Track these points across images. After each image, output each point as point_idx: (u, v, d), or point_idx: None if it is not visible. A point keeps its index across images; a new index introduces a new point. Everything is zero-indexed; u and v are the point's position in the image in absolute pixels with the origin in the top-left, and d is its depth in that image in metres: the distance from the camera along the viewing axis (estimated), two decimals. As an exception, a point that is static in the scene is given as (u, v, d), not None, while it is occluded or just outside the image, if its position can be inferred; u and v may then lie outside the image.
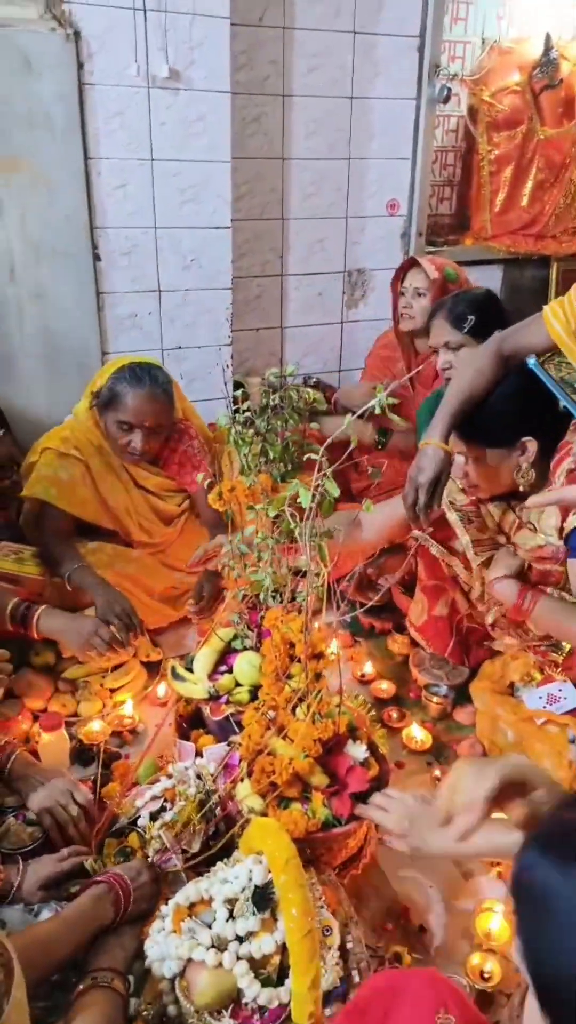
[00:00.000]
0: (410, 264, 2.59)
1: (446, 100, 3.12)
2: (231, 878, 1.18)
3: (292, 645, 1.44)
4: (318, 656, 1.37)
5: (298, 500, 1.24)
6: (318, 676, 1.38)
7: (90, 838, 1.45)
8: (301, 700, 1.40)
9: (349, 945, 1.18)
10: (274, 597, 1.55)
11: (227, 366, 2.94)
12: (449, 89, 3.09)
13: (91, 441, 2.14)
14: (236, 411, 1.51)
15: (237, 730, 1.55)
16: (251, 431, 1.50)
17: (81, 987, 1.06)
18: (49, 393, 2.67)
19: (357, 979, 1.13)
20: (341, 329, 3.38)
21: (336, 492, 1.24)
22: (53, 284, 2.56)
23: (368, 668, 2.06)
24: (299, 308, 3.26)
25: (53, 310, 2.59)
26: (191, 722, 1.76)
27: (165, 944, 1.12)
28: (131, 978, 1.15)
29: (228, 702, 1.61)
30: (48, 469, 2.08)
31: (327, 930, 1.16)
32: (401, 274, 2.60)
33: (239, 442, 1.45)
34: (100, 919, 1.17)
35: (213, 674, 1.67)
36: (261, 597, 1.59)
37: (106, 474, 2.15)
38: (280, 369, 2.92)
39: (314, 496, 1.22)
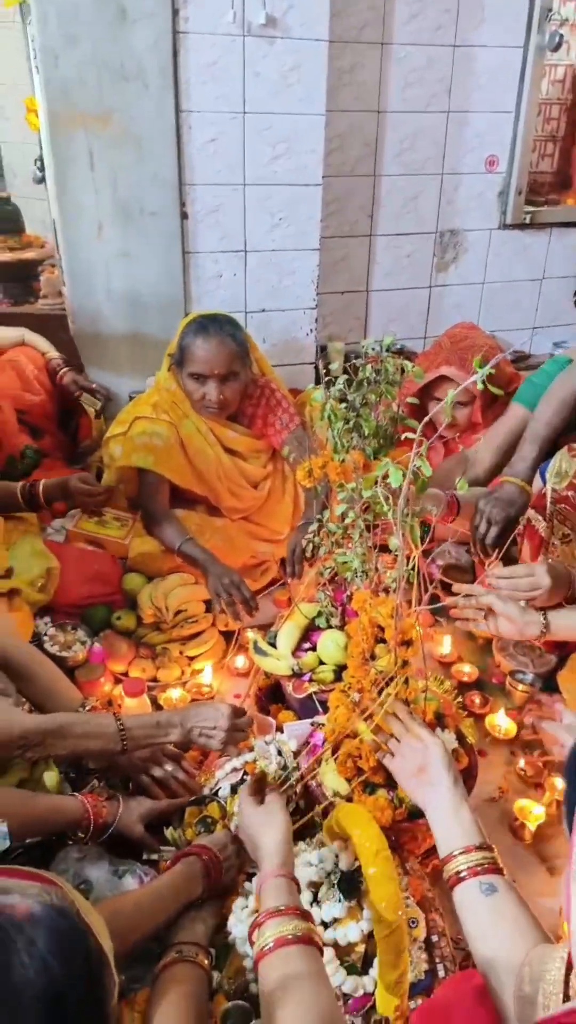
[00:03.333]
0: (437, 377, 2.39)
1: (556, 48, 2.93)
2: (315, 861, 1.18)
3: (380, 628, 1.42)
4: (407, 643, 1.34)
5: (388, 480, 1.20)
6: (404, 664, 1.35)
7: (192, 788, 1.52)
8: (387, 684, 1.38)
9: (434, 938, 1.17)
10: (361, 577, 1.52)
11: (311, 330, 2.90)
12: (561, 36, 2.90)
13: (177, 405, 2.14)
14: (328, 383, 1.47)
15: (320, 709, 1.55)
16: (343, 405, 1.45)
17: (166, 960, 1.08)
18: (132, 353, 2.68)
19: (442, 973, 1.12)
20: (429, 294, 3.28)
21: (429, 471, 1.20)
22: (140, 243, 2.55)
23: (447, 648, 2.02)
24: (387, 271, 3.17)
25: (139, 269, 2.58)
26: (270, 696, 1.78)
27: (249, 924, 1.12)
28: (213, 951, 1.17)
29: (311, 680, 1.61)
30: (143, 437, 2.10)
31: (412, 922, 1.15)
32: (434, 386, 2.40)
33: (332, 417, 1.41)
34: (190, 894, 1.19)
35: (296, 651, 1.67)
36: (348, 577, 1.56)
37: (195, 438, 2.15)
38: (367, 337, 2.86)
39: (407, 475, 1.18)
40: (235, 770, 1.53)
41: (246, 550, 2.22)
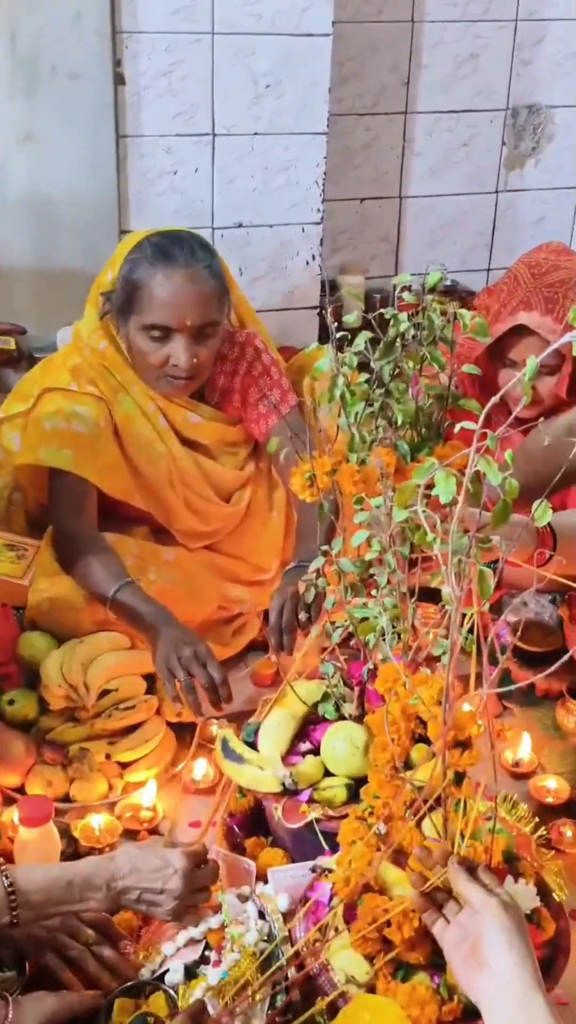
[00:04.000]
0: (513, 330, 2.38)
1: None
2: None
3: (420, 721, 1.42)
4: (462, 745, 1.34)
5: (434, 491, 1.21)
6: (459, 777, 1.35)
7: (124, 971, 1.51)
8: (432, 808, 1.39)
9: None
10: (390, 642, 1.54)
11: (314, 258, 2.93)
12: None
13: (110, 372, 2.16)
14: (341, 343, 1.49)
15: (325, 846, 1.54)
16: (364, 379, 1.47)
17: None
18: (37, 290, 2.73)
19: None
20: (496, 202, 3.34)
21: (513, 487, 1.21)
22: (52, 121, 2.59)
23: (526, 752, 2.04)
24: (431, 166, 3.22)
25: (49, 161, 2.63)
26: (248, 825, 1.77)
27: None
28: None
29: (312, 800, 1.60)
30: (57, 420, 2.10)
31: None
32: (506, 342, 2.41)
33: (347, 397, 1.43)
34: None
35: (289, 754, 1.67)
36: (369, 642, 1.57)
37: (137, 424, 2.16)
38: (400, 269, 2.87)
39: (464, 485, 1.19)
40: (192, 943, 1.52)
41: (211, 597, 2.23)
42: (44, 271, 2.69)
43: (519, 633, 2.18)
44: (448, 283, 3.21)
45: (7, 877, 1.40)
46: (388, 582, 1.44)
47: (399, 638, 1.52)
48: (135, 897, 1.48)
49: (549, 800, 1.94)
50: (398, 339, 1.42)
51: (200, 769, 1.95)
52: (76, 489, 2.11)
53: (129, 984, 1.49)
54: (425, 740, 1.45)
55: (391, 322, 1.46)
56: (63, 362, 2.19)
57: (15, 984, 1.48)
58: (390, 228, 3.25)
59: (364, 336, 1.42)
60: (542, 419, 2.39)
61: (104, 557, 2.07)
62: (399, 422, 1.44)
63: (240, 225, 2.85)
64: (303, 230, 2.90)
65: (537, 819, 1.82)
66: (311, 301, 2.97)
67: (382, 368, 1.44)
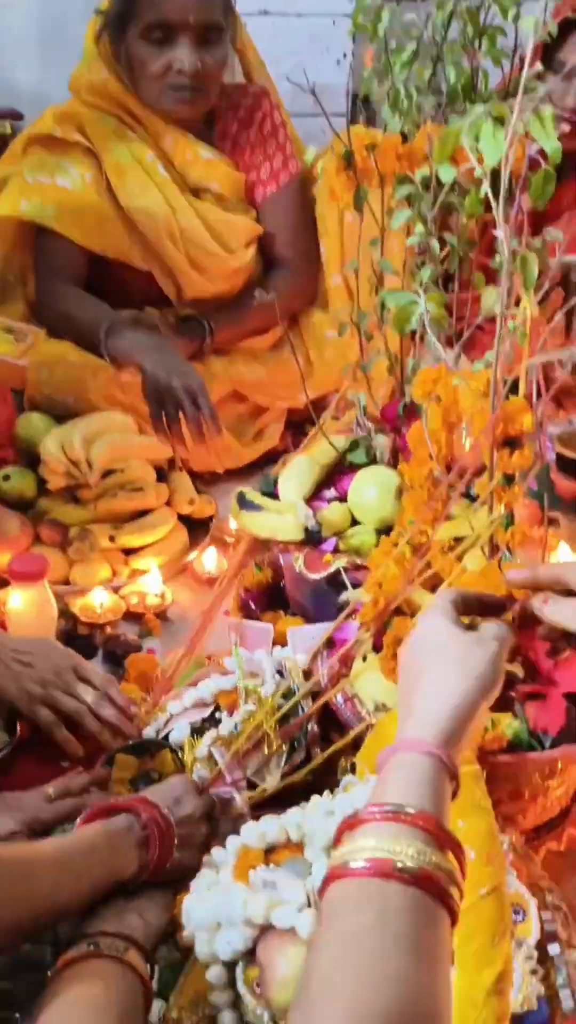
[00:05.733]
0: None
1: None
2: (342, 808, 1.07)
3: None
4: (513, 443, 1.21)
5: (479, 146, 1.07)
6: (509, 480, 1.23)
7: (127, 730, 1.48)
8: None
9: (553, 949, 1.08)
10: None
11: (346, 55, 2.83)
12: None
13: (104, 110, 2.11)
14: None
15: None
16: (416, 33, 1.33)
17: (70, 955, 0.98)
18: (41, 69, 2.64)
19: (571, 1003, 1.03)
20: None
21: (554, 145, 1.07)
22: None
23: (568, 558, 1.93)
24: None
25: None
26: (264, 600, 1.69)
27: (222, 902, 1.02)
28: (155, 966, 1.06)
29: (337, 550, 1.51)
30: (40, 173, 2.08)
31: (517, 911, 1.06)
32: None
33: (395, 53, 1.29)
34: (116, 869, 1.09)
35: (313, 500, 1.58)
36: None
37: (130, 174, 2.11)
38: None
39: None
40: (200, 705, 1.44)
41: (222, 379, 2.19)
42: (48, 49, 2.61)
43: (561, 440, 2.08)
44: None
45: None
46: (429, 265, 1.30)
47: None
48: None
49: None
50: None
51: (210, 560, 1.91)
52: (61, 250, 2.13)
53: (132, 743, 1.44)
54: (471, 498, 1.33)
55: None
56: (50, 110, 2.17)
57: (6, 744, 1.44)
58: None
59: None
60: None
61: (92, 304, 2.11)
62: (451, 81, 1.29)
63: (265, 12, 2.69)
64: (334, 23, 2.76)
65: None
66: (341, 107, 2.81)
67: (438, 20, 1.30)
